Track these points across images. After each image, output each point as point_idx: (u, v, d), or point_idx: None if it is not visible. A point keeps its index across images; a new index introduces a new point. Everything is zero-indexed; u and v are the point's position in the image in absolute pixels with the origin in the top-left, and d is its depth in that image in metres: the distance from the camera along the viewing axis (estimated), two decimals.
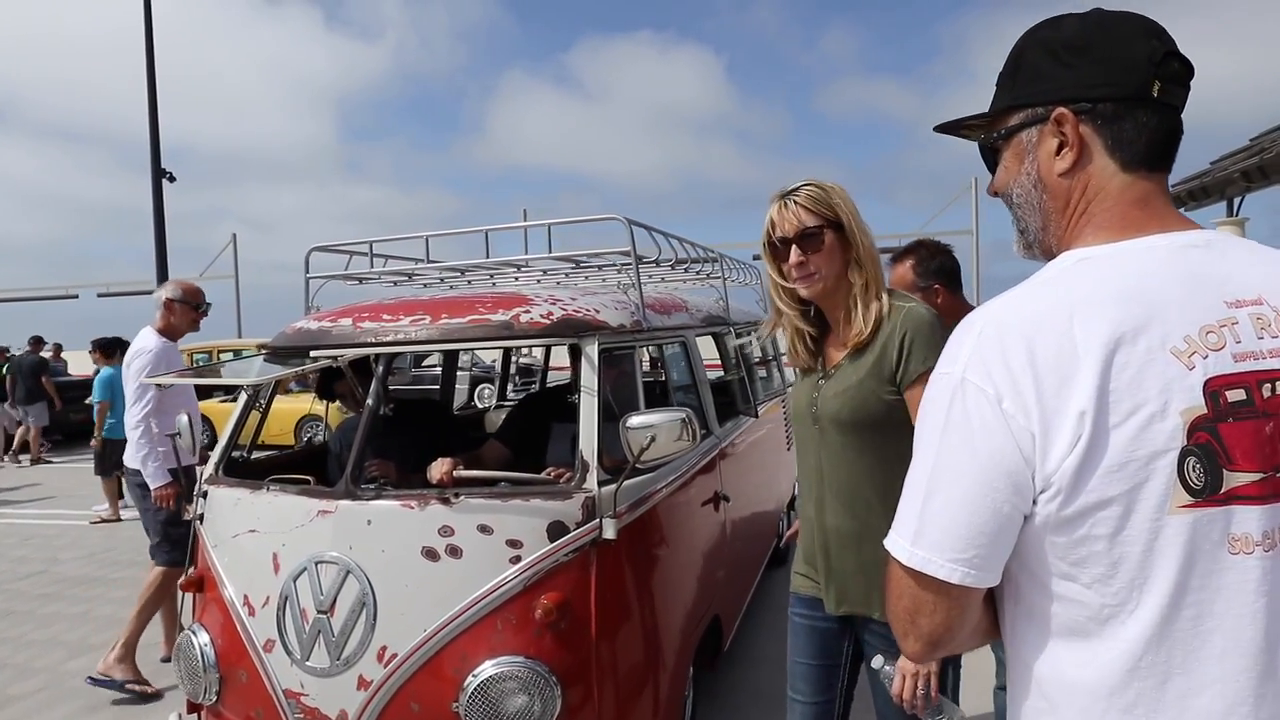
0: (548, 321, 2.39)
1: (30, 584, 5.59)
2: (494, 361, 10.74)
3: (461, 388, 7.02)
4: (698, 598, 2.72)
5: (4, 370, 11.46)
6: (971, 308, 2.44)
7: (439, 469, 2.35)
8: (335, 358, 2.40)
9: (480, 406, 5.58)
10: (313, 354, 2.41)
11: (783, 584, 4.77)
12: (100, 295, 28.61)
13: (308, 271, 3.08)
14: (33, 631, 4.63)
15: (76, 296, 29.08)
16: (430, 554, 2.10)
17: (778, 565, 4.99)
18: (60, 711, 3.56)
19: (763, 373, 4.93)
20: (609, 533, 2.14)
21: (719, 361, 3.88)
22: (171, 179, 17.12)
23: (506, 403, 5.39)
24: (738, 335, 4.33)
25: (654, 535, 2.42)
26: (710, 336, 3.73)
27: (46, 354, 12.16)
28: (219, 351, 18.13)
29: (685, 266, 3.61)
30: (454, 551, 2.10)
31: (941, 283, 2.42)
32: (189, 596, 2.52)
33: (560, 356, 6.76)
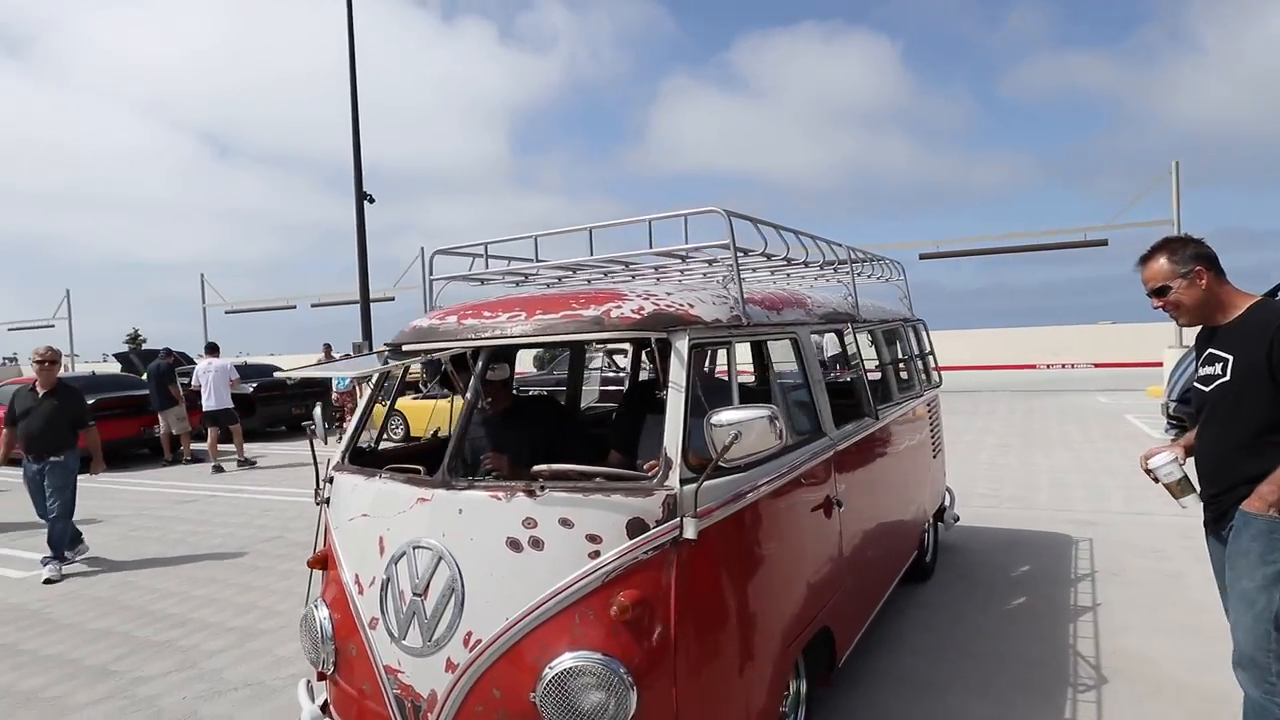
0: (638, 316, 2.37)
1: (270, 546, 6.50)
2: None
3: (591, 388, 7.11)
4: (801, 608, 2.58)
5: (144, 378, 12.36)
6: (1242, 293, 2.38)
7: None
8: (427, 354, 2.51)
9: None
10: (429, 349, 2.52)
11: (925, 600, 4.48)
12: (313, 305, 32.11)
13: (430, 273, 3.25)
14: (275, 583, 5.43)
15: (294, 307, 32.74)
16: (514, 545, 2.14)
17: (919, 580, 4.66)
18: (297, 645, 3.96)
19: (904, 374, 4.62)
20: (689, 532, 2.08)
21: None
22: (371, 200, 18.96)
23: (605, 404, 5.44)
24: (872, 333, 4.10)
25: (745, 537, 2.33)
26: (834, 334, 3.55)
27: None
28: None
29: (808, 263, 3.46)
30: (536, 543, 2.12)
31: (1203, 265, 2.38)
32: (315, 573, 2.73)
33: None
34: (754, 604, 2.32)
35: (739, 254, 2.83)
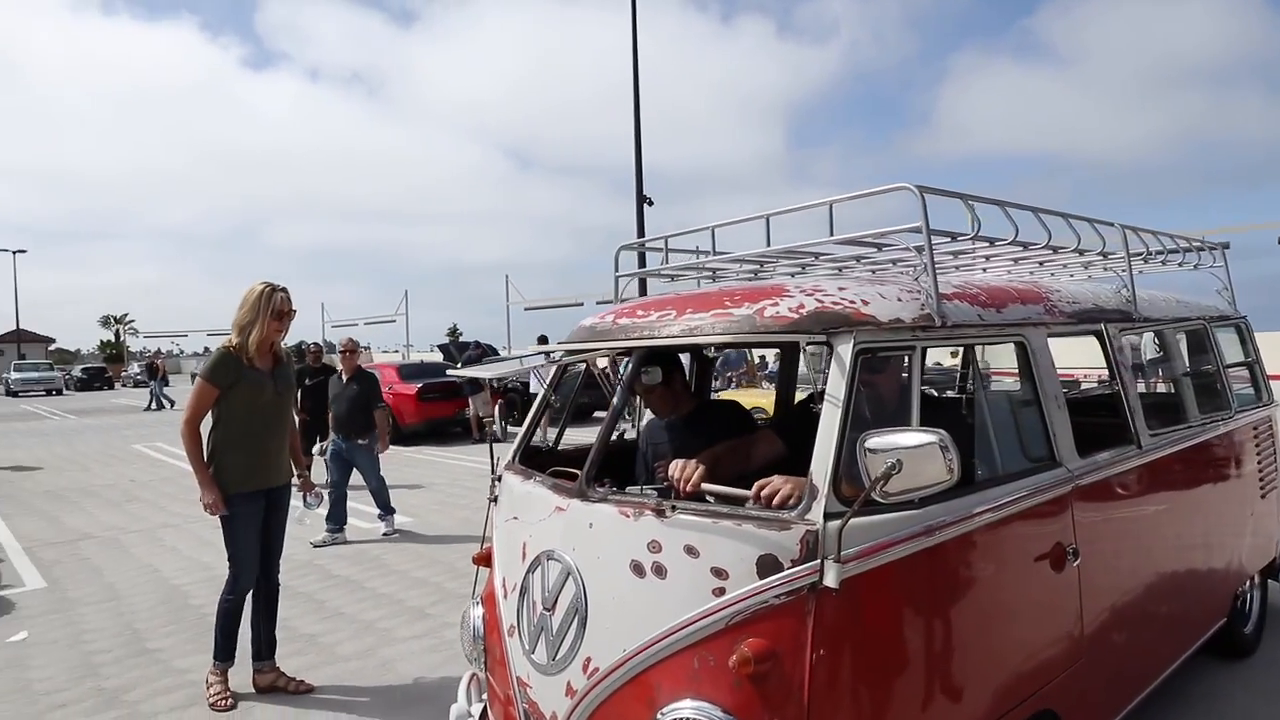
0: (795, 315, 2.02)
1: None
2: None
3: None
4: (1006, 683, 2.05)
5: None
6: None
7: (679, 469, 2.14)
8: (588, 353, 2.38)
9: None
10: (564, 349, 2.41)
11: (1256, 661, 3.43)
12: (598, 303, 34.53)
13: (617, 269, 3.15)
14: None
15: (581, 304, 35.48)
16: (637, 569, 1.93)
17: (1234, 656, 3.61)
18: None
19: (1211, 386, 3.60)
20: (829, 579, 1.71)
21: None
22: (650, 203, 19.87)
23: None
24: (1159, 336, 3.24)
25: (914, 590, 1.88)
26: (1093, 336, 2.82)
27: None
28: None
29: (1056, 249, 2.78)
30: (659, 570, 1.90)
31: None
32: (481, 570, 2.76)
33: (1001, 358, 5.44)
34: (924, 673, 1.87)
35: (943, 239, 2.35)
